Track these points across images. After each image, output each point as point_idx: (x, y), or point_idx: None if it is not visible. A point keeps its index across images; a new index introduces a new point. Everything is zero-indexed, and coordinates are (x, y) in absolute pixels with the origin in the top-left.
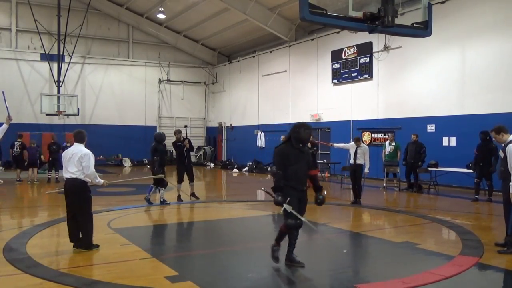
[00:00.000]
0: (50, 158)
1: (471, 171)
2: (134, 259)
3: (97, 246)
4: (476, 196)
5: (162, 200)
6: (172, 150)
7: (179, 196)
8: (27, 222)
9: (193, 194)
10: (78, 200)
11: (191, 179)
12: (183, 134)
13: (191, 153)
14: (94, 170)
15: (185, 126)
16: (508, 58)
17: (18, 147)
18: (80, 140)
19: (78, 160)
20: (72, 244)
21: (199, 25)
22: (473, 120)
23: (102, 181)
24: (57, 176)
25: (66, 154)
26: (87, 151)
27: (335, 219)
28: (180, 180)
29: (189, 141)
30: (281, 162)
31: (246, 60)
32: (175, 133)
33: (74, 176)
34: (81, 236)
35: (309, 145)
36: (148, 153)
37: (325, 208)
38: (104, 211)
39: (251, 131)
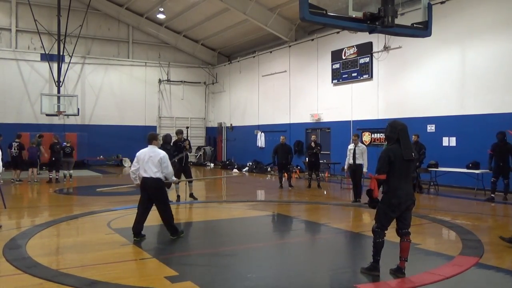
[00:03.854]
0: (53, 158)
1: (471, 171)
2: (134, 259)
3: (182, 231)
4: (492, 195)
5: None
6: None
7: (178, 197)
8: (27, 222)
9: (191, 195)
10: (160, 195)
11: (189, 180)
12: (184, 135)
13: (189, 154)
14: (172, 168)
15: (187, 128)
16: (508, 58)
17: (16, 148)
18: (150, 142)
19: (158, 162)
20: (133, 235)
21: (199, 25)
22: (473, 120)
23: (175, 178)
24: (57, 177)
25: (143, 156)
26: (164, 153)
27: (335, 219)
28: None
29: (189, 142)
30: None
31: (246, 60)
32: (177, 133)
33: (156, 176)
34: (166, 226)
35: (312, 144)
36: None
37: (325, 208)
38: (104, 211)
39: (251, 131)
